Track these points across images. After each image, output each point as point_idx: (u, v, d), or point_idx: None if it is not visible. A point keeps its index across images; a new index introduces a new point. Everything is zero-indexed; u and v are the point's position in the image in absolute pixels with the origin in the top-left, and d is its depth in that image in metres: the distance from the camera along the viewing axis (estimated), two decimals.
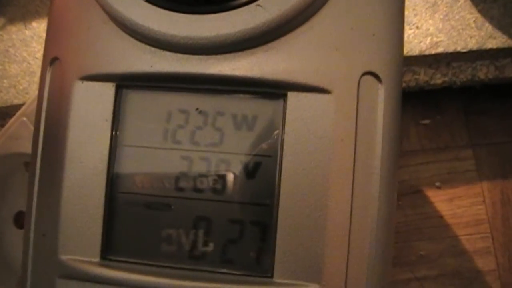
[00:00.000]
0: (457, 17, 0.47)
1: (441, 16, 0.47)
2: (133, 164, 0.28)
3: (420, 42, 0.46)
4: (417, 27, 0.47)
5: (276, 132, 0.27)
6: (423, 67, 0.48)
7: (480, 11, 0.47)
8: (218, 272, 0.27)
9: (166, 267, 0.27)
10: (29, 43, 0.53)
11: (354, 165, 0.26)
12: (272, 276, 0.26)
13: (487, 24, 0.47)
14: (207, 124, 0.27)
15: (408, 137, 0.51)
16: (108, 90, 0.28)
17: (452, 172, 0.50)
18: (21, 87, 0.51)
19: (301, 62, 0.26)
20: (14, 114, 0.51)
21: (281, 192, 0.26)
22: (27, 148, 0.40)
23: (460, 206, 0.49)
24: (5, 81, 0.52)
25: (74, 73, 0.28)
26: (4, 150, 0.41)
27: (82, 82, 0.28)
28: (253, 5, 0.25)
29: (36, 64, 0.52)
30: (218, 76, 0.26)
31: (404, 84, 0.48)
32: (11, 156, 0.41)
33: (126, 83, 0.28)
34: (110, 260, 0.28)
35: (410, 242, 0.48)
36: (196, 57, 0.26)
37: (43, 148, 0.29)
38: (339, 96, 0.26)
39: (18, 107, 0.50)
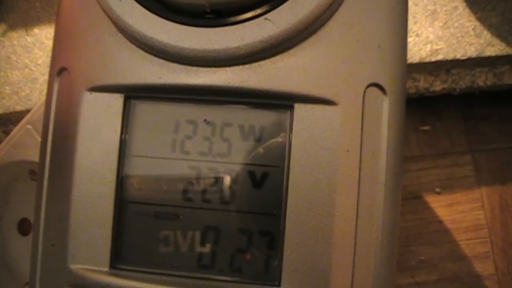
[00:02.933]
0: (456, 24, 0.48)
1: (441, 24, 0.48)
2: (141, 174, 0.28)
3: (420, 49, 0.47)
4: (417, 35, 0.47)
5: (283, 143, 0.27)
6: (423, 74, 0.48)
7: (478, 19, 0.48)
8: (227, 281, 0.27)
9: (175, 276, 0.28)
10: (30, 50, 0.53)
11: (359, 176, 0.26)
12: (279, 285, 0.26)
13: (485, 32, 0.47)
14: (215, 135, 0.28)
15: (408, 143, 0.52)
16: (116, 101, 0.28)
17: (452, 177, 0.50)
18: (23, 94, 0.51)
19: (308, 74, 0.27)
20: (16, 120, 0.52)
21: (288, 202, 0.27)
22: (31, 156, 0.41)
23: (460, 211, 0.49)
24: (7, 87, 0.52)
25: (83, 84, 0.29)
26: (9, 158, 0.41)
27: (91, 93, 0.28)
28: (261, 18, 0.26)
29: (38, 71, 0.52)
30: (226, 88, 0.27)
31: None
32: (15, 163, 0.41)
33: (135, 94, 0.28)
34: (120, 269, 0.28)
35: (411, 247, 0.49)
36: (205, 69, 0.27)
37: (51, 158, 0.30)
38: (345, 108, 0.27)
39: (20, 113, 0.51)
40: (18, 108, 0.51)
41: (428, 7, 0.49)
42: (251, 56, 0.26)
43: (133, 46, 0.28)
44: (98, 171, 0.28)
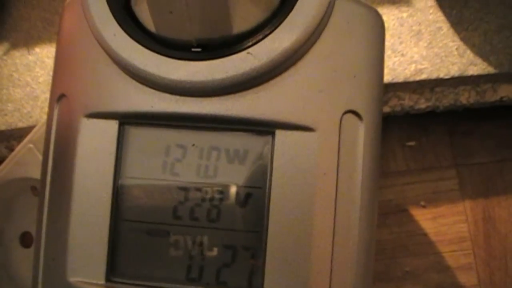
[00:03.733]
0: (440, 44, 0.49)
1: (425, 44, 0.49)
2: (135, 194, 0.30)
3: (405, 69, 0.48)
4: (402, 55, 0.49)
5: (265, 165, 0.29)
6: (408, 93, 0.49)
7: (462, 39, 0.49)
8: None
9: None
10: (32, 68, 0.54)
11: (336, 197, 0.28)
12: None
13: (468, 52, 0.48)
14: (202, 158, 0.29)
15: (394, 158, 0.52)
16: (111, 126, 0.30)
17: (436, 191, 0.51)
18: (25, 111, 0.52)
19: (288, 103, 0.28)
20: (18, 137, 0.53)
21: (270, 220, 0.28)
22: (33, 173, 0.42)
23: (444, 224, 0.50)
24: (9, 104, 0.52)
25: (80, 110, 0.30)
26: (12, 175, 0.42)
27: (88, 119, 0.30)
28: (244, 52, 0.27)
29: (39, 89, 0.53)
30: (212, 116, 0.28)
31: (389, 109, 0.50)
32: (18, 180, 0.42)
33: (129, 120, 0.30)
34: (114, 282, 0.29)
35: (396, 259, 0.49)
36: (193, 98, 0.28)
37: (51, 179, 0.31)
38: (322, 134, 0.28)
39: (22, 130, 0.52)
40: (20, 124, 0.52)
41: (413, 28, 0.50)
42: (235, 87, 0.28)
43: (127, 77, 0.29)
44: (95, 191, 0.29)
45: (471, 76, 0.48)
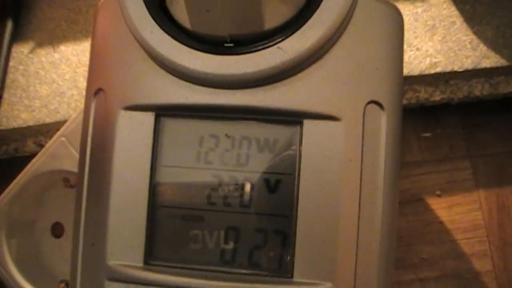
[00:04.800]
0: (454, 38, 0.50)
1: (439, 38, 0.50)
2: (171, 181, 0.31)
3: (420, 62, 0.49)
4: (417, 49, 0.50)
5: (294, 153, 0.30)
6: (423, 86, 0.51)
7: (475, 33, 0.50)
8: (246, 274, 0.30)
9: (201, 270, 0.31)
10: (58, 66, 0.55)
11: (360, 182, 0.30)
12: (292, 277, 0.29)
13: (481, 45, 0.50)
14: (234, 147, 0.31)
15: (410, 149, 0.53)
16: (148, 118, 0.31)
17: (451, 181, 0.52)
18: (52, 107, 0.53)
19: (315, 94, 0.30)
20: (46, 132, 0.54)
21: (299, 205, 0.30)
22: (65, 165, 0.43)
23: (459, 212, 0.51)
24: (36, 101, 0.54)
25: (118, 104, 0.32)
26: (45, 167, 0.44)
27: (125, 112, 0.31)
28: (274, 47, 0.29)
29: (65, 85, 0.54)
30: (244, 107, 0.30)
31: (406, 102, 0.51)
32: (51, 172, 0.44)
33: (164, 112, 0.31)
34: (152, 265, 0.31)
35: (413, 246, 0.50)
36: (225, 91, 0.30)
37: (90, 169, 0.33)
38: (347, 123, 0.30)
39: (49, 125, 0.53)
40: (48, 120, 0.53)
41: (428, 22, 0.51)
42: (265, 80, 0.29)
43: (162, 71, 0.31)
44: (133, 180, 0.31)
45: (484, 69, 0.49)
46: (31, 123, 0.54)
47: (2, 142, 0.55)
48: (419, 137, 0.54)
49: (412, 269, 0.50)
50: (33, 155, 0.47)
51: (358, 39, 0.30)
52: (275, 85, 0.30)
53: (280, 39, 0.29)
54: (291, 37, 0.29)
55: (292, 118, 0.30)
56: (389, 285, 0.31)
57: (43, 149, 0.44)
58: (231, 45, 0.29)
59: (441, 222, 0.51)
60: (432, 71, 0.49)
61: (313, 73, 0.30)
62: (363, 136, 0.30)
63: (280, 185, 0.30)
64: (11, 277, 0.44)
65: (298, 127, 0.30)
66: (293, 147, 0.30)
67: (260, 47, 0.29)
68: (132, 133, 0.31)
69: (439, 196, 0.52)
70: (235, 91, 0.30)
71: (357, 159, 0.30)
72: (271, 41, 0.29)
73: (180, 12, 0.30)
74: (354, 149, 0.30)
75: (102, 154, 0.32)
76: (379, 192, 0.30)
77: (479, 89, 0.51)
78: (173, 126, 0.32)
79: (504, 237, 0.51)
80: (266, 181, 0.31)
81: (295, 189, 0.30)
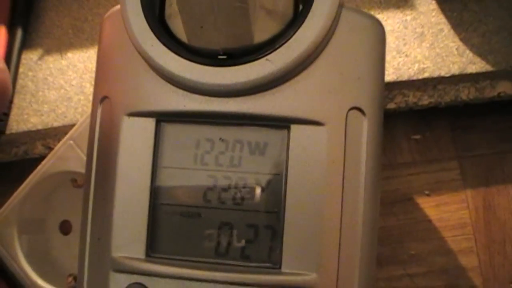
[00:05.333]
0: (441, 45, 0.51)
1: (428, 45, 0.51)
2: (170, 181, 0.34)
3: (409, 68, 0.51)
4: (406, 55, 0.51)
5: (282, 155, 0.32)
6: (412, 90, 0.52)
7: (462, 40, 0.51)
8: (238, 265, 0.32)
9: (197, 262, 0.33)
10: (65, 72, 0.56)
11: (343, 181, 0.32)
12: (280, 268, 0.31)
13: (467, 51, 0.51)
14: (228, 150, 0.33)
15: (401, 151, 0.54)
16: (149, 124, 0.33)
17: (440, 181, 0.53)
18: (59, 111, 0.54)
19: (301, 101, 0.32)
20: (54, 135, 0.55)
21: (287, 203, 0.32)
22: (73, 167, 0.45)
23: (447, 211, 0.52)
24: (45, 106, 0.55)
25: (122, 110, 0.34)
26: (54, 169, 0.45)
27: (129, 118, 0.34)
28: (263, 59, 0.31)
29: (72, 91, 0.55)
30: (236, 113, 0.32)
31: (395, 105, 0.52)
32: (59, 174, 0.45)
33: (164, 118, 0.33)
34: (153, 257, 0.33)
35: (403, 243, 0.51)
36: (220, 99, 0.32)
37: (96, 170, 0.35)
38: (331, 127, 0.32)
39: (57, 129, 0.54)
40: (56, 124, 0.54)
41: (417, 30, 0.52)
42: (256, 89, 0.32)
43: (162, 81, 0.33)
44: (136, 179, 0.33)
45: (470, 74, 0.50)
46: (40, 126, 0.55)
47: (12, 145, 0.56)
48: (409, 140, 0.55)
49: (402, 265, 0.51)
50: (41, 157, 0.49)
51: (341, 50, 0.32)
52: (264, 93, 0.32)
53: (268, 52, 0.31)
54: (278, 50, 0.31)
55: (280, 123, 0.32)
56: (371, 275, 0.33)
57: (52, 152, 0.46)
58: (224, 57, 0.32)
59: (429, 220, 0.52)
60: (420, 77, 0.51)
61: (299, 82, 0.32)
62: (345, 139, 0.32)
63: (269, 184, 0.33)
64: (22, 270, 0.45)
65: (286, 132, 0.32)
66: (282, 150, 0.33)
67: (250, 59, 0.31)
68: (135, 137, 0.34)
69: (428, 195, 0.53)
70: (228, 99, 0.32)
71: (339, 160, 0.32)
72: (260, 54, 0.31)
73: (178, 27, 0.32)
74: (337, 151, 0.32)
75: (108, 156, 0.34)
76: (361, 191, 0.32)
77: (466, 94, 0.52)
78: (172, 131, 0.34)
79: (489, 234, 0.52)
80: (257, 181, 0.33)
81: (283, 188, 0.32)
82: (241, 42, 0.31)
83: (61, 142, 0.46)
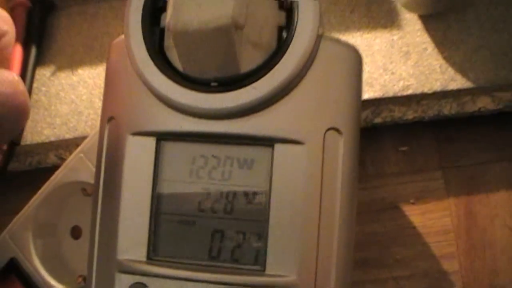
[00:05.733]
0: (425, 63, 0.53)
1: (412, 63, 0.53)
2: (169, 192, 0.36)
3: (394, 85, 0.53)
4: (392, 73, 0.53)
5: (267, 171, 0.35)
6: (397, 106, 0.54)
7: (444, 58, 0.53)
8: (228, 267, 0.35)
9: (192, 264, 0.35)
10: (76, 87, 0.58)
11: (321, 194, 0.34)
12: (264, 270, 0.34)
13: (450, 69, 0.52)
14: (219, 165, 0.36)
15: (388, 162, 0.56)
16: (150, 142, 0.36)
17: (425, 190, 0.54)
18: (71, 125, 0.56)
19: (283, 123, 0.35)
20: (65, 146, 0.58)
21: (271, 212, 0.34)
22: (83, 177, 0.48)
23: (431, 218, 0.54)
24: (57, 119, 0.57)
25: (126, 130, 0.36)
26: (66, 179, 0.48)
27: (132, 136, 0.36)
28: (249, 87, 0.34)
29: (82, 105, 0.56)
30: (227, 134, 0.35)
31: (381, 120, 0.54)
32: (70, 184, 0.48)
33: (164, 137, 0.36)
34: (154, 260, 0.35)
35: (389, 249, 0.53)
36: (212, 121, 0.35)
37: (104, 182, 0.38)
38: (310, 146, 0.34)
39: (69, 140, 0.56)
40: (67, 136, 0.56)
41: (403, 49, 0.54)
42: (243, 112, 0.34)
43: (162, 104, 0.36)
44: (139, 191, 0.36)
45: (452, 90, 0.53)
46: (52, 138, 0.57)
47: (27, 155, 0.58)
48: (396, 151, 0.57)
49: (387, 269, 0.53)
50: (54, 167, 0.51)
51: (320, 77, 0.35)
52: (251, 116, 0.34)
53: (254, 80, 0.34)
54: (263, 78, 0.34)
55: (265, 142, 0.35)
56: (346, 277, 0.36)
57: (64, 164, 0.48)
58: (216, 84, 0.34)
59: (414, 227, 0.54)
60: (405, 93, 0.53)
61: (281, 106, 0.35)
62: (323, 156, 0.34)
63: (256, 196, 0.35)
64: (36, 271, 0.48)
65: (270, 150, 0.35)
66: (266, 166, 0.35)
67: (238, 87, 0.34)
68: (138, 154, 0.36)
69: (413, 204, 0.55)
70: (219, 121, 0.35)
71: (318, 175, 0.34)
72: (247, 82, 0.34)
73: (175, 58, 0.35)
74: (315, 167, 0.34)
75: (114, 170, 0.37)
76: (337, 202, 0.35)
77: (448, 109, 0.54)
78: (171, 149, 0.36)
79: (470, 241, 0.54)
80: (245, 193, 0.35)
81: (268, 199, 0.34)
82: (229, 72, 0.33)
83: (72, 155, 0.49)
